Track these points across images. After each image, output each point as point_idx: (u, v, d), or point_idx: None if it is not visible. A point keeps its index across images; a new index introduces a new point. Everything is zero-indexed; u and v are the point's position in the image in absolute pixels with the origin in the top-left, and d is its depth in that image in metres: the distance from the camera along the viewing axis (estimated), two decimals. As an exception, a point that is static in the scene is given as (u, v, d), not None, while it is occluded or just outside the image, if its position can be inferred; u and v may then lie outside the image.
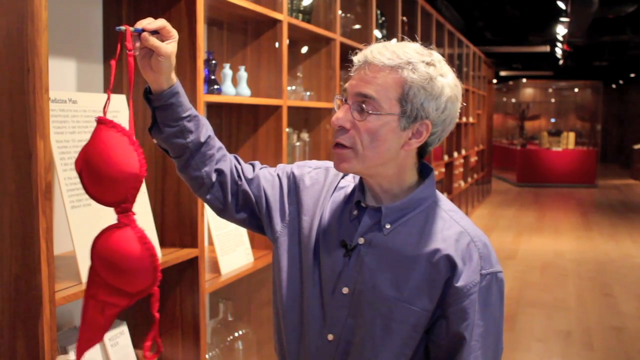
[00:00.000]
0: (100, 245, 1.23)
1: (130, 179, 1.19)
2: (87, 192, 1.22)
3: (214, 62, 2.39)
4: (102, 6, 2.09)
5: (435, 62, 1.23)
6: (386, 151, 1.24)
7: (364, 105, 1.22)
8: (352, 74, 1.26)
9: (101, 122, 1.19)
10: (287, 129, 2.75)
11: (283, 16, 2.65)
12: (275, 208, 1.39)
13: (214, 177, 1.35)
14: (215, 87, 2.38)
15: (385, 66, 1.21)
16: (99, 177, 1.18)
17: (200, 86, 2.05)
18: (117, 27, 1.17)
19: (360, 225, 1.28)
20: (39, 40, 1.39)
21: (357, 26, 3.85)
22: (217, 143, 1.36)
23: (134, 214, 1.23)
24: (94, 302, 1.25)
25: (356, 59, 1.26)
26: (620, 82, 19.57)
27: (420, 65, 1.21)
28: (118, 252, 1.21)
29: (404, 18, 4.88)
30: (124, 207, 1.21)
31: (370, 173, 1.27)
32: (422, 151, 1.29)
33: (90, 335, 1.27)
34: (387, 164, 1.25)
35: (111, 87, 1.22)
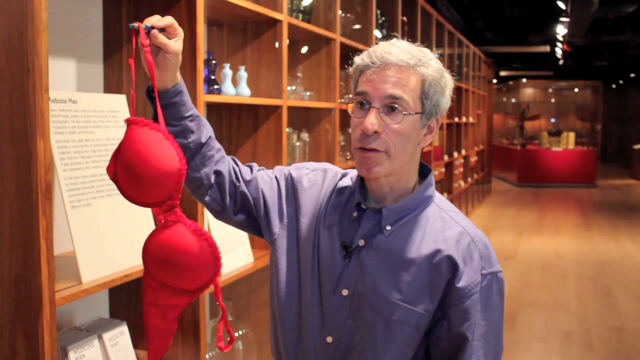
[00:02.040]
0: (154, 247, 1.17)
1: (172, 175, 1.14)
2: (127, 196, 1.17)
3: (214, 62, 2.39)
4: (102, 6, 2.09)
5: (432, 54, 1.26)
6: (411, 149, 1.25)
7: (396, 107, 1.20)
8: (371, 76, 1.22)
9: (132, 122, 1.15)
10: (287, 129, 2.75)
11: (283, 16, 2.65)
12: (274, 210, 1.38)
13: (212, 178, 1.34)
14: (215, 87, 2.38)
15: (408, 65, 1.21)
16: (140, 178, 1.13)
17: (200, 86, 2.05)
18: (131, 24, 1.17)
19: (360, 226, 1.28)
20: (39, 40, 1.39)
21: (357, 26, 3.85)
22: (217, 144, 1.35)
23: (180, 209, 1.18)
24: (155, 308, 1.20)
25: (369, 60, 1.23)
26: (620, 82, 19.57)
27: (432, 61, 1.23)
28: (175, 250, 1.15)
29: (404, 18, 4.89)
30: (170, 205, 1.16)
31: (392, 172, 1.26)
32: None
33: (158, 344, 1.22)
34: (408, 162, 1.27)
35: (134, 86, 1.19)
